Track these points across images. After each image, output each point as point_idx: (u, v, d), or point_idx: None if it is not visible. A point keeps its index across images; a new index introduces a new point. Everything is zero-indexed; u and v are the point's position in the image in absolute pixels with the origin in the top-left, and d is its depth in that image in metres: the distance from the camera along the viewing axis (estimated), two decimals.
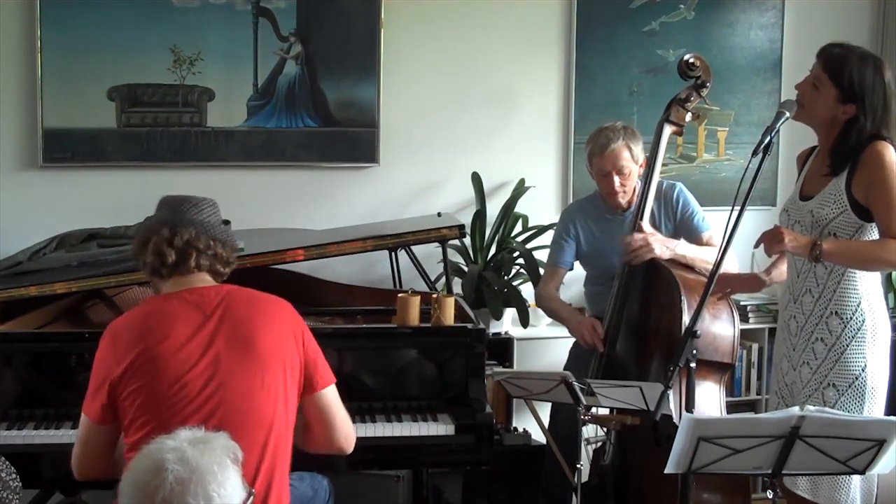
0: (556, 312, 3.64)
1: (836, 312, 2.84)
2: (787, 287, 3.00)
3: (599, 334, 3.36)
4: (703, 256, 3.37)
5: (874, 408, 2.86)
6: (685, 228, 3.51)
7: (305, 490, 2.70)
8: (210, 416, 2.26)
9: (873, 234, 2.82)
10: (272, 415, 2.34)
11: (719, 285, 2.93)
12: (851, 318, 2.83)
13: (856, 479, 2.79)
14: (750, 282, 3.19)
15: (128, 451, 2.33)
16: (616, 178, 3.47)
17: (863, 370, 2.83)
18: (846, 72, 2.81)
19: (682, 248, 3.37)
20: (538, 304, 3.82)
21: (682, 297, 3.13)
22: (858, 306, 2.83)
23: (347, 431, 2.53)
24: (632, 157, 3.47)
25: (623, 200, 3.53)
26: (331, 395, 2.50)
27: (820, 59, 2.87)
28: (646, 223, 3.37)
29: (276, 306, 2.49)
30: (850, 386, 2.83)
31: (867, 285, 2.86)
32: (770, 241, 2.78)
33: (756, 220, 3.57)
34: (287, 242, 3.44)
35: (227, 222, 3.50)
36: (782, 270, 3.12)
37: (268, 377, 2.35)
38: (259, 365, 2.35)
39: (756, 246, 2.85)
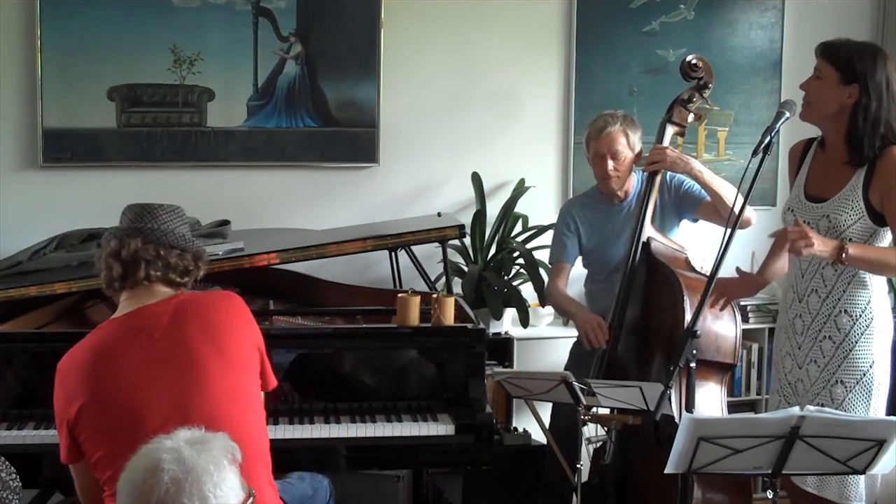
0: (564, 307, 3.65)
1: (846, 311, 2.85)
2: (789, 286, 2.99)
3: (605, 334, 3.35)
4: (720, 182, 3.42)
5: (878, 404, 2.88)
6: (687, 199, 3.56)
7: (305, 489, 2.71)
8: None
9: (886, 237, 2.83)
10: (244, 421, 2.30)
11: (716, 291, 2.93)
12: (861, 316, 2.84)
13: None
14: (747, 284, 3.18)
15: (104, 485, 2.30)
16: (610, 162, 3.51)
17: (870, 367, 2.85)
18: (843, 53, 2.83)
19: (698, 165, 3.44)
20: (547, 301, 3.83)
21: (685, 297, 3.13)
22: (868, 304, 2.84)
23: None
24: (628, 144, 3.52)
25: (616, 186, 3.56)
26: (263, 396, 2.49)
27: (818, 53, 2.90)
28: (667, 144, 3.45)
29: (233, 316, 2.40)
30: (858, 382, 2.84)
31: (876, 284, 2.87)
32: (797, 241, 2.71)
33: (756, 221, 3.56)
34: (286, 242, 3.44)
35: (226, 222, 3.53)
36: (777, 268, 3.12)
37: (236, 382, 2.31)
38: (222, 375, 2.29)
39: (783, 247, 2.81)
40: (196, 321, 2.34)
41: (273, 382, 2.50)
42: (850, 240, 2.81)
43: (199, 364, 2.29)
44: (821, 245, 2.71)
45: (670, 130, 3.49)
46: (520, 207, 4.24)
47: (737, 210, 2.73)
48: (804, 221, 2.90)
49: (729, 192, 3.37)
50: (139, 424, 2.22)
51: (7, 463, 2.14)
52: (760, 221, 3.64)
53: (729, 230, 2.66)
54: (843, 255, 2.72)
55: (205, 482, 1.68)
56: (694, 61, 3.46)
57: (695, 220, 3.62)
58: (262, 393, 2.48)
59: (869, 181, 2.81)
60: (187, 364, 2.29)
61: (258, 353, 2.43)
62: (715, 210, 3.44)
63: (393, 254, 3.79)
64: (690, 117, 3.51)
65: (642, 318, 3.33)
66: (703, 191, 3.48)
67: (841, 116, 2.85)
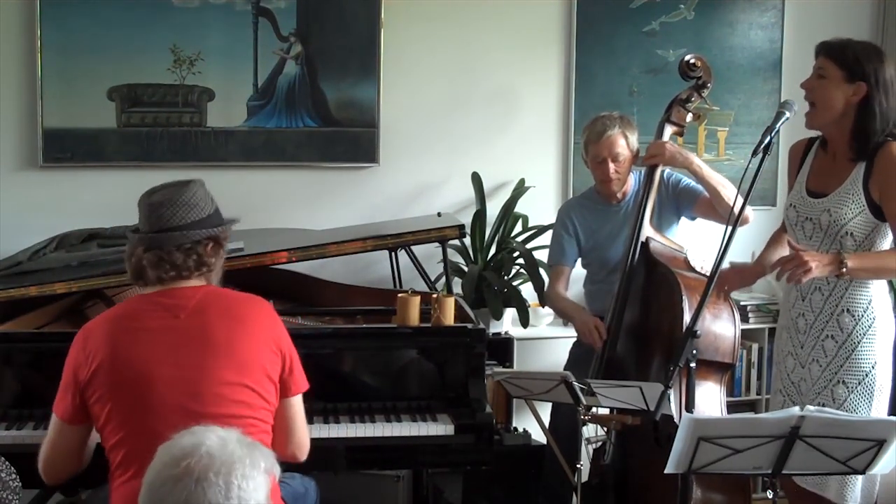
0: (563, 310, 3.68)
1: (848, 310, 2.85)
2: (792, 286, 2.99)
3: (602, 335, 3.37)
4: (718, 178, 3.42)
5: (880, 405, 2.88)
6: (684, 195, 3.57)
7: (297, 487, 2.72)
8: (184, 417, 2.22)
9: (888, 232, 2.84)
10: (252, 414, 2.35)
11: (717, 283, 2.93)
12: (863, 316, 2.84)
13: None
14: (746, 274, 3.18)
15: (109, 453, 2.36)
16: (611, 165, 3.52)
17: (872, 367, 2.85)
18: (849, 51, 2.83)
19: (697, 161, 3.44)
20: (546, 305, 3.84)
21: (683, 297, 3.13)
22: (870, 304, 2.84)
23: (302, 440, 2.53)
24: (627, 145, 3.53)
25: (617, 188, 3.57)
26: (298, 403, 2.51)
27: (820, 52, 2.90)
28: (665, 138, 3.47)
29: (255, 312, 2.46)
30: (860, 383, 2.84)
31: (878, 285, 2.88)
32: (795, 270, 2.71)
33: (756, 220, 3.56)
34: (286, 242, 3.44)
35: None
36: (775, 258, 3.12)
37: (246, 380, 2.35)
38: (233, 368, 2.34)
39: (778, 278, 2.82)
40: (219, 312, 2.40)
41: (297, 388, 2.49)
42: (852, 234, 2.81)
43: (214, 352, 2.35)
44: (819, 266, 2.70)
45: (669, 130, 3.50)
46: (520, 207, 4.24)
47: (737, 209, 2.73)
48: (805, 217, 2.90)
49: (727, 189, 3.38)
50: (149, 396, 2.30)
51: (7, 463, 2.14)
52: (760, 221, 3.64)
53: (729, 228, 2.66)
54: (843, 268, 2.72)
55: (235, 469, 1.71)
56: (692, 61, 3.46)
57: (693, 218, 3.63)
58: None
59: (869, 175, 2.81)
60: (202, 349, 2.35)
61: (279, 357, 2.43)
62: (712, 206, 3.45)
63: (393, 254, 3.79)
64: (689, 117, 3.52)
65: (641, 318, 3.33)
66: (699, 186, 3.48)
67: (846, 116, 2.85)
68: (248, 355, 2.38)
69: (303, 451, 2.54)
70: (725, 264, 2.85)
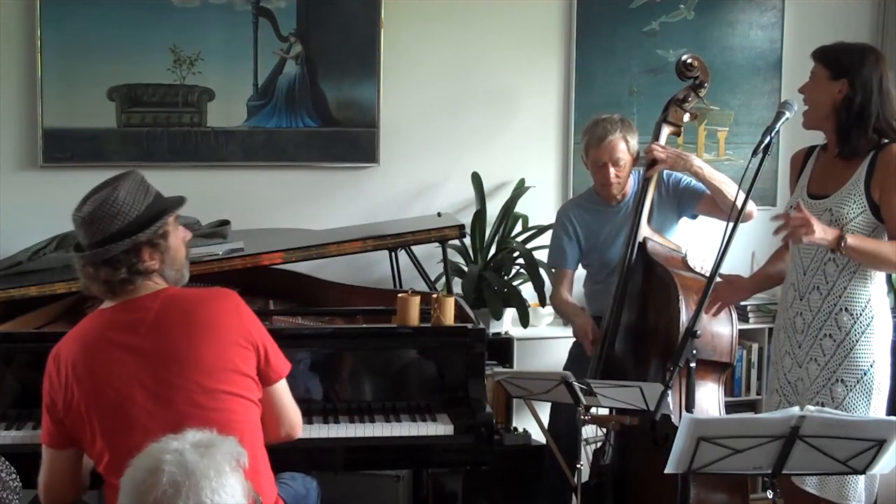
0: (564, 314, 3.70)
1: (846, 309, 2.85)
2: (790, 285, 2.99)
3: (590, 338, 3.41)
4: (720, 177, 3.43)
5: (879, 404, 2.88)
6: (686, 195, 3.57)
7: (299, 488, 2.71)
8: (167, 432, 2.21)
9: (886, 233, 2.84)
10: (234, 418, 2.31)
11: (710, 299, 2.94)
12: (861, 315, 2.84)
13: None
14: (738, 288, 3.15)
15: (102, 474, 2.34)
16: (612, 170, 3.51)
17: (871, 366, 2.85)
18: (832, 51, 2.89)
19: (698, 162, 3.45)
20: (553, 309, 3.85)
21: (680, 297, 3.13)
22: (868, 303, 2.85)
23: (293, 420, 2.51)
24: (627, 149, 3.53)
25: (617, 191, 3.57)
26: (282, 388, 2.48)
27: (812, 56, 2.95)
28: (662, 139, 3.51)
29: (218, 311, 2.37)
30: (858, 382, 2.84)
31: (876, 283, 2.88)
32: (797, 228, 2.70)
33: (756, 220, 3.57)
34: (286, 242, 3.44)
35: (226, 222, 3.53)
36: (773, 273, 3.13)
37: (220, 385, 2.31)
38: (205, 377, 2.29)
39: (777, 232, 2.80)
40: (180, 321, 2.33)
41: (278, 374, 2.45)
42: (852, 233, 2.82)
43: (181, 366, 2.29)
44: (821, 233, 2.71)
45: (666, 130, 3.50)
46: (520, 207, 4.24)
47: (738, 205, 2.73)
48: None
49: (729, 186, 3.39)
50: (128, 417, 2.26)
51: (7, 463, 2.14)
52: (760, 221, 3.64)
53: (731, 224, 2.66)
54: (842, 243, 2.72)
55: (203, 487, 1.67)
56: (689, 60, 3.46)
57: (694, 217, 3.63)
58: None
59: (870, 176, 2.82)
60: (169, 366, 2.30)
61: (251, 350, 2.37)
62: (715, 204, 3.45)
63: (393, 254, 3.79)
64: (686, 117, 3.52)
65: (639, 318, 3.34)
66: (701, 185, 3.48)
67: (835, 115, 2.88)
68: (217, 360, 2.31)
69: (296, 430, 2.52)
70: (728, 265, 2.85)
